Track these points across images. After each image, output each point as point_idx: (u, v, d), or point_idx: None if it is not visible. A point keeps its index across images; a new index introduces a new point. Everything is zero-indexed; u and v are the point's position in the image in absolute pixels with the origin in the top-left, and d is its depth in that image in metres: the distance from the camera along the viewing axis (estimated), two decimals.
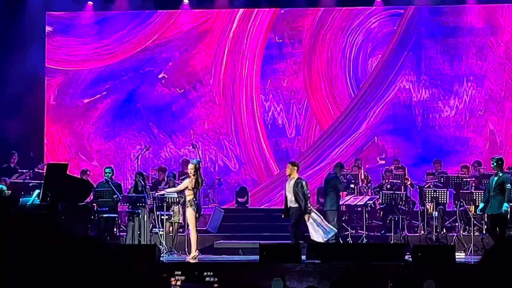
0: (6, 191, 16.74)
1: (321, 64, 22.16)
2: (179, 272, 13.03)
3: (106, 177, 17.63)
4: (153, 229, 17.50)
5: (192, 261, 15.21)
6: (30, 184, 18.55)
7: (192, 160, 16.71)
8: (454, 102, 21.71)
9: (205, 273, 13.11)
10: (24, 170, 19.83)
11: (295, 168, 15.96)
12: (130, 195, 17.46)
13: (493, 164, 15.85)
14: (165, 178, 18.99)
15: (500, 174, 15.62)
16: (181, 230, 17.60)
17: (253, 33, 22.39)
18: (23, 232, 1.60)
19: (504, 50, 21.60)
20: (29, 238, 1.59)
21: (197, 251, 15.56)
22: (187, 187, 15.72)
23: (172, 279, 12.63)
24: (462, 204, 17.76)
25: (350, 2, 22.06)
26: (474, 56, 21.69)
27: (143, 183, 17.50)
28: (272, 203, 21.70)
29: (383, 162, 21.61)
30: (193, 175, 15.66)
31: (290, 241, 15.48)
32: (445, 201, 17.97)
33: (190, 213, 15.66)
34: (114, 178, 18.01)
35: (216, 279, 12.98)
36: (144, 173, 18.51)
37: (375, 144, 21.97)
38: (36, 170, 19.81)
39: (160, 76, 22.49)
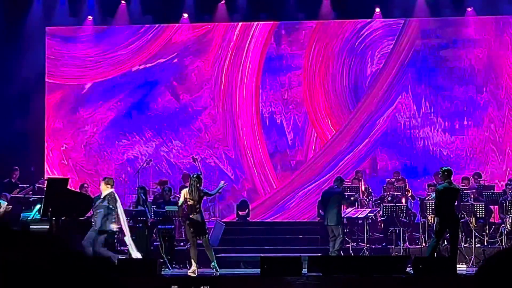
0: (7, 206, 16.71)
1: (321, 77, 22.17)
2: (176, 287, 13.00)
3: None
4: (154, 243, 17.46)
5: (192, 275, 15.19)
6: (31, 199, 18.52)
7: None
8: (454, 115, 21.70)
9: (202, 287, 13.08)
10: (25, 185, 19.82)
11: (103, 184, 15.52)
12: (130, 209, 17.42)
13: (441, 174, 15.50)
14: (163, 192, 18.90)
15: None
16: (182, 244, 17.57)
17: (253, 46, 22.41)
18: (22, 250, 1.59)
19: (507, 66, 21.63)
20: (26, 256, 1.59)
21: (196, 265, 15.54)
22: (186, 197, 15.71)
23: None
24: (463, 216, 17.72)
25: (350, 15, 22.07)
26: (474, 69, 21.69)
27: (144, 197, 17.47)
28: (273, 216, 21.67)
29: (375, 174, 21.66)
30: (189, 186, 15.79)
31: (291, 255, 15.45)
32: None
33: (187, 228, 15.74)
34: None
35: None
36: (146, 187, 18.48)
37: (375, 157, 21.95)
38: (37, 185, 19.79)
39: (160, 89, 22.52)
